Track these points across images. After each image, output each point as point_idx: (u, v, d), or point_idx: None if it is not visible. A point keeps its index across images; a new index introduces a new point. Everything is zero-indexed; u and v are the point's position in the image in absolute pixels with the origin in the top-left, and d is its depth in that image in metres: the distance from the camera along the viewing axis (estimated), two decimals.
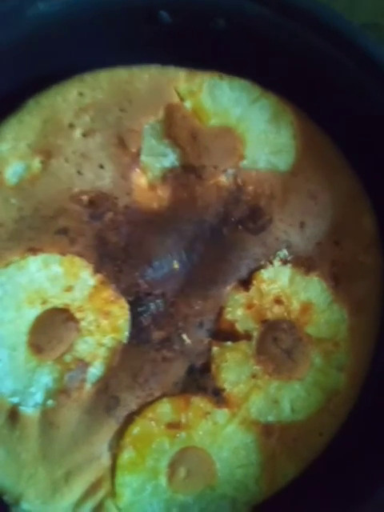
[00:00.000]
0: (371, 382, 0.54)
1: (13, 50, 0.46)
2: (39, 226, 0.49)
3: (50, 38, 0.47)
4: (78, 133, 0.49)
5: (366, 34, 0.48)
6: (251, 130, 0.51)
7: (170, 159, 0.51)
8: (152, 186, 0.51)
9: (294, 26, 0.47)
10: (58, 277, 0.49)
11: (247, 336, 0.51)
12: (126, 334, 0.51)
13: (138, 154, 0.50)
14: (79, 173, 0.50)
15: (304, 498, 0.53)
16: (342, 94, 0.50)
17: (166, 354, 0.51)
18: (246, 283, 0.52)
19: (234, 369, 0.51)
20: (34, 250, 0.49)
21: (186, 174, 0.51)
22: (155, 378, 0.51)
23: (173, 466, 0.51)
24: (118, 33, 0.49)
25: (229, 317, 0.52)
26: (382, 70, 0.47)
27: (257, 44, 0.49)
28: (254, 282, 0.51)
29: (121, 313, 0.50)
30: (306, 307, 0.52)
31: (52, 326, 0.49)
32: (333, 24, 0.47)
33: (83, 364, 0.50)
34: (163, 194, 0.51)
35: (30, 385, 0.49)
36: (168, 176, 0.51)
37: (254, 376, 0.51)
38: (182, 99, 0.51)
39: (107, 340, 0.50)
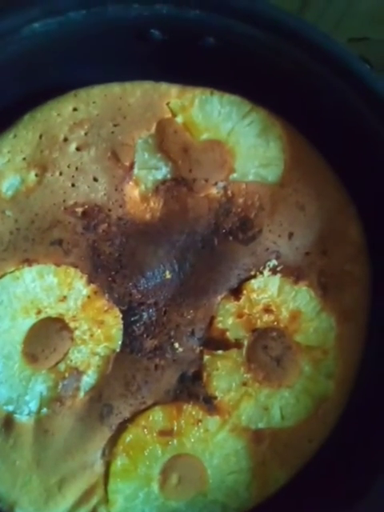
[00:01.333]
0: (359, 388, 0.55)
1: (9, 67, 0.47)
2: (34, 238, 0.50)
3: (45, 56, 0.48)
4: (72, 147, 0.51)
5: (350, 52, 0.50)
6: (241, 143, 0.53)
7: (163, 172, 0.52)
8: (145, 198, 0.52)
9: (280, 44, 0.49)
10: (53, 287, 0.50)
11: (238, 344, 0.53)
12: (119, 342, 0.52)
13: (131, 167, 0.51)
14: (74, 185, 0.51)
15: (294, 503, 0.54)
16: (328, 108, 0.52)
17: (158, 362, 0.52)
18: (236, 293, 0.53)
19: (225, 377, 0.52)
20: (29, 261, 0.50)
21: (178, 186, 0.52)
22: (148, 386, 0.52)
23: (165, 473, 0.52)
24: (111, 50, 0.50)
25: (220, 326, 0.53)
26: (365, 86, 0.49)
27: (245, 61, 0.51)
28: (244, 291, 0.53)
29: (114, 322, 0.51)
30: (295, 316, 0.53)
31: (46, 336, 0.50)
32: (318, 42, 0.48)
33: (77, 373, 0.51)
34: (156, 205, 0.52)
35: (24, 393, 0.50)
36: (160, 188, 0.52)
37: (244, 384, 0.52)
38: (173, 114, 0.52)
39: (101, 349, 0.51)
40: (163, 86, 0.52)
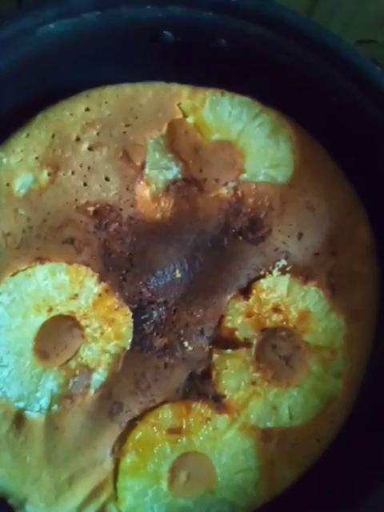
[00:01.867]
0: (367, 389, 0.55)
1: (24, 67, 0.48)
2: (46, 236, 0.51)
3: (59, 57, 0.49)
4: (84, 146, 0.51)
5: (359, 53, 0.50)
6: (251, 144, 0.53)
7: (173, 172, 0.52)
8: (155, 198, 0.53)
9: (290, 45, 0.49)
10: (64, 285, 0.51)
11: (247, 344, 0.53)
12: (129, 341, 0.52)
13: (143, 167, 0.52)
14: (85, 185, 0.51)
15: (302, 502, 0.54)
16: (338, 109, 0.52)
17: (167, 360, 0.53)
18: (245, 292, 0.53)
19: (233, 376, 0.53)
20: (41, 259, 0.50)
21: (189, 186, 0.52)
22: (157, 384, 0.52)
23: (174, 471, 0.53)
24: (124, 51, 0.51)
25: (229, 325, 0.53)
26: (375, 88, 0.49)
27: (256, 62, 0.52)
28: (254, 291, 0.53)
29: (124, 320, 0.52)
30: (304, 316, 0.53)
31: (57, 333, 0.51)
32: (328, 44, 0.49)
33: (87, 370, 0.51)
34: (166, 205, 0.53)
35: (35, 390, 0.51)
36: (171, 188, 0.53)
37: (253, 383, 0.53)
38: (184, 115, 0.52)
39: (111, 347, 0.52)
40: (174, 87, 0.53)
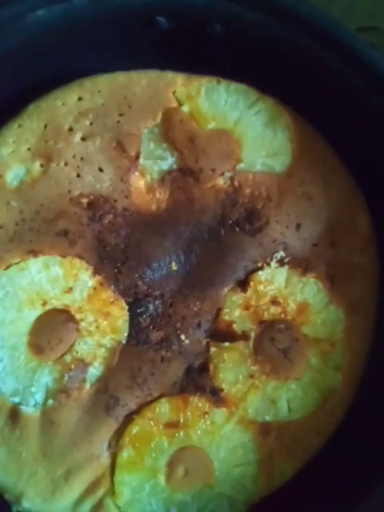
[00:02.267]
0: (367, 382, 0.54)
1: (14, 56, 0.47)
2: (40, 229, 0.50)
3: (50, 44, 0.47)
4: (77, 137, 0.50)
5: (360, 38, 0.49)
6: (248, 133, 0.52)
7: (168, 162, 0.51)
8: (150, 189, 0.52)
9: (289, 30, 0.48)
10: (58, 278, 0.50)
11: (245, 336, 0.52)
12: (125, 334, 0.51)
13: (137, 157, 0.51)
14: (79, 176, 0.50)
15: (301, 497, 0.54)
16: (338, 97, 0.51)
17: (164, 354, 0.52)
18: (243, 284, 0.53)
19: (231, 369, 0.52)
20: (34, 252, 0.49)
21: (184, 176, 0.51)
22: (154, 378, 0.52)
23: (171, 465, 0.52)
24: (117, 38, 0.50)
25: (226, 317, 0.53)
26: (375, 74, 0.48)
27: (253, 48, 0.50)
28: (251, 283, 0.52)
29: (120, 314, 0.51)
30: (303, 308, 0.52)
31: (52, 327, 0.50)
32: (328, 29, 0.47)
33: (83, 364, 0.51)
34: (161, 196, 0.52)
35: (30, 385, 0.50)
36: (166, 179, 0.51)
37: (251, 376, 0.52)
38: (179, 103, 0.51)
39: (106, 340, 0.51)
40: (169, 75, 0.52)
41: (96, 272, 0.51)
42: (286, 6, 0.48)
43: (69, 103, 0.50)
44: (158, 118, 0.51)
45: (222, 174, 0.52)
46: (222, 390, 0.52)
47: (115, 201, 0.51)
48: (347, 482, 0.53)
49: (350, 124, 0.52)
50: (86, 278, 0.50)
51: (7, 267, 0.49)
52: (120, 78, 0.51)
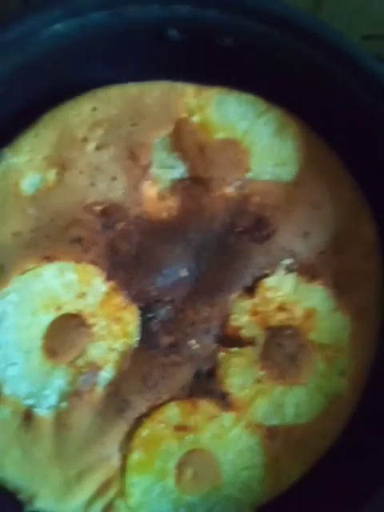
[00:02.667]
0: (372, 386, 0.55)
1: (31, 67, 0.48)
2: (54, 235, 0.51)
3: (66, 56, 0.49)
4: (91, 146, 0.52)
5: (364, 51, 0.50)
6: (257, 142, 0.53)
7: (179, 171, 0.53)
8: (162, 197, 0.53)
9: (297, 43, 0.49)
10: (72, 284, 0.51)
11: (252, 342, 0.53)
12: (137, 339, 0.52)
13: (149, 166, 0.52)
14: (93, 184, 0.52)
15: (307, 500, 0.55)
16: (344, 108, 0.52)
17: (174, 358, 0.53)
18: (251, 291, 0.54)
19: (239, 374, 0.53)
20: (49, 258, 0.51)
21: (195, 185, 0.53)
22: (164, 381, 0.53)
23: (180, 468, 0.53)
24: (131, 50, 0.51)
25: (234, 323, 0.54)
26: (377, 84, 0.49)
27: (262, 60, 0.52)
28: (259, 289, 0.53)
29: (131, 319, 0.52)
30: (310, 314, 0.53)
31: (65, 331, 0.51)
32: (333, 41, 0.49)
33: (95, 368, 0.52)
34: (172, 204, 0.53)
35: (44, 387, 0.51)
36: (177, 187, 0.53)
37: (259, 381, 0.53)
38: (190, 114, 0.53)
39: (118, 345, 0.52)
40: (180, 86, 0.53)
41: (109, 278, 0.52)
42: (293, 20, 0.49)
43: (83, 113, 0.52)
44: (170, 128, 0.52)
45: (231, 183, 0.53)
46: (230, 394, 0.53)
47: (128, 208, 0.52)
48: (352, 483, 0.54)
49: (356, 135, 0.53)
50: (99, 284, 0.52)
51: (23, 273, 0.50)
52: (132, 89, 0.52)
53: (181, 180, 0.53)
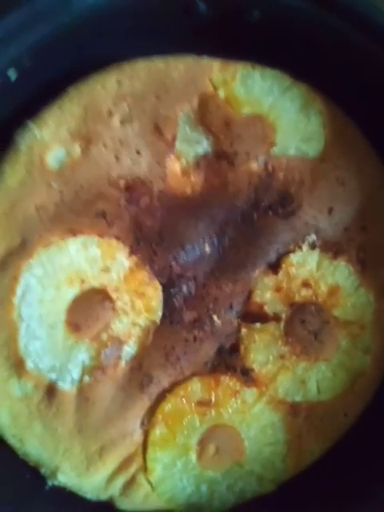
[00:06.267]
0: None
1: (58, 40, 0.47)
2: (79, 210, 0.51)
3: (93, 29, 0.48)
4: (116, 120, 0.51)
5: None
6: (282, 118, 0.53)
7: (204, 146, 0.52)
8: (186, 172, 0.53)
9: (327, 17, 0.48)
10: (96, 258, 0.51)
11: (276, 318, 0.53)
12: (159, 314, 0.52)
13: (173, 140, 0.52)
14: (117, 158, 0.51)
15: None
16: (371, 83, 0.52)
17: (197, 334, 0.53)
18: (274, 267, 0.53)
19: (262, 350, 0.53)
20: (73, 232, 0.50)
21: (219, 160, 0.52)
22: (186, 357, 0.53)
23: (202, 443, 0.53)
24: (156, 24, 0.50)
25: (258, 299, 0.54)
26: None
27: (289, 34, 0.51)
28: (283, 265, 0.53)
29: (154, 294, 0.52)
30: (334, 291, 0.53)
31: (89, 306, 0.51)
32: (365, 14, 0.48)
33: (118, 342, 0.52)
34: (196, 179, 0.53)
35: (67, 361, 0.51)
36: (201, 162, 0.52)
37: (281, 357, 0.53)
38: (215, 88, 0.52)
39: (141, 320, 0.52)
40: (205, 61, 0.52)
41: (132, 253, 0.52)
42: None
43: (108, 87, 0.51)
44: (194, 103, 0.52)
45: (256, 158, 0.52)
46: (252, 370, 0.53)
47: (151, 183, 0.52)
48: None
49: (382, 111, 0.53)
50: (122, 259, 0.51)
51: (47, 246, 0.50)
52: (158, 63, 0.52)
53: (205, 155, 0.52)
